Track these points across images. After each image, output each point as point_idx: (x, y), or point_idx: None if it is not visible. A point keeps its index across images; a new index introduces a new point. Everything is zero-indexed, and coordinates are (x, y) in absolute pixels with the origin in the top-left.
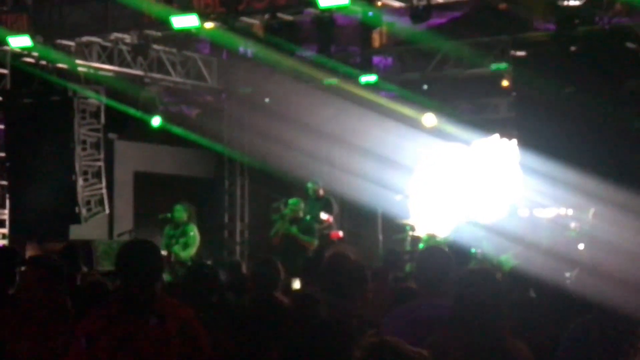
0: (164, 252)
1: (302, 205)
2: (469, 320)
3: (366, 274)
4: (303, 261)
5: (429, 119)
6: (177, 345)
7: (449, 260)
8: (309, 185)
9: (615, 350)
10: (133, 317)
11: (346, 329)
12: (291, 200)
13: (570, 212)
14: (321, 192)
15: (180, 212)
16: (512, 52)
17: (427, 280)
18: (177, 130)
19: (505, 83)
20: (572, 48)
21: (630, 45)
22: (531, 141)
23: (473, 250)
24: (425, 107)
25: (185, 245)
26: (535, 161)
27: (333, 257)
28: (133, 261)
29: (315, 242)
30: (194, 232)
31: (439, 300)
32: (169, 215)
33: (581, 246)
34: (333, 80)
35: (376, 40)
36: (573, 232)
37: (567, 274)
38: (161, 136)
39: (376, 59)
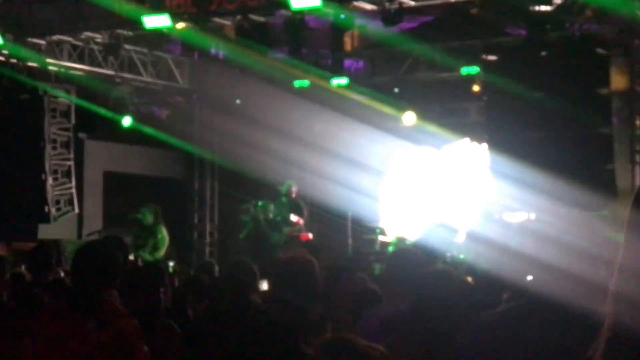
0: (131, 256)
1: (271, 207)
2: (427, 320)
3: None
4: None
5: (409, 117)
6: (110, 354)
7: (418, 261)
8: (287, 183)
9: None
10: (72, 318)
11: (298, 329)
12: (260, 203)
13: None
14: (294, 193)
15: (146, 214)
16: (483, 57)
17: (397, 281)
18: (147, 130)
19: (476, 88)
20: (543, 53)
21: (600, 51)
22: (501, 145)
23: (443, 253)
24: (397, 110)
25: (154, 248)
26: (505, 165)
27: (286, 261)
28: (84, 262)
29: (282, 240)
30: (162, 234)
31: (401, 301)
32: (138, 215)
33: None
34: (304, 83)
35: (348, 43)
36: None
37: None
38: (131, 136)
39: (347, 62)
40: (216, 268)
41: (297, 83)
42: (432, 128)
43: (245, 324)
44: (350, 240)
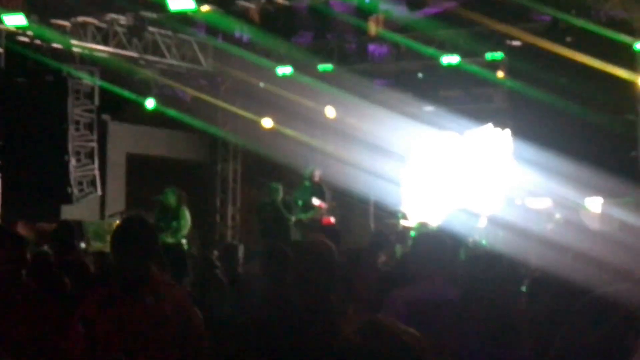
0: None
1: (280, 189)
2: (480, 299)
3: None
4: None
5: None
6: (173, 325)
7: (443, 245)
8: (310, 168)
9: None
10: (129, 298)
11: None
12: (272, 185)
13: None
14: (317, 177)
15: (169, 196)
16: (508, 42)
17: (422, 263)
18: (171, 112)
19: (500, 74)
20: (568, 39)
21: (625, 37)
22: (524, 131)
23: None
24: (420, 96)
25: (176, 230)
26: (528, 151)
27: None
28: (127, 239)
29: (293, 219)
30: (185, 217)
31: (435, 283)
32: (160, 198)
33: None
34: (328, 67)
35: (372, 28)
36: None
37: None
38: (155, 119)
39: (371, 47)
40: (241, 249)
41: (321, 67)
42: (453, 115)
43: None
44: (372, 225)
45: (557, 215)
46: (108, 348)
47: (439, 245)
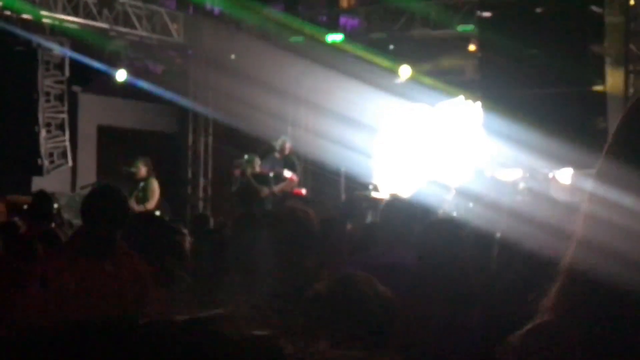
0: None
1: (257, 160)
2: (435, 268)
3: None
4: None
5: (405, 71)
6: (129, 293)
7: (411, 214)
8: (281, 139)
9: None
10: (89, 261)
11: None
12: (246, 157)
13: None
14: (288, 149)
15: (139, 167)
16: (478, 13)
17: (390, 230)
18: (142, 84)
19: (472, 47)
20: (538, 10)
21: (595, 9)
22: (495, 103)
23: (436, 209)
24: (391, 67)
25: (144, 199)
26: (499, 123)
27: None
28: (98, 205)
29: (266, 191)
30: (153, 186)
31: (401, 250)
32: (131, 168)
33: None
34: (299, 38)
35: (344, 0)
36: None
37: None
38: (126, 90)
39: (343, 19)
40: (211, 221)
41: (293, 39)
42: (427, 84)
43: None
44: (343, 196)
45: (522, 185)
46: (64, 309)
47: (406, 214)
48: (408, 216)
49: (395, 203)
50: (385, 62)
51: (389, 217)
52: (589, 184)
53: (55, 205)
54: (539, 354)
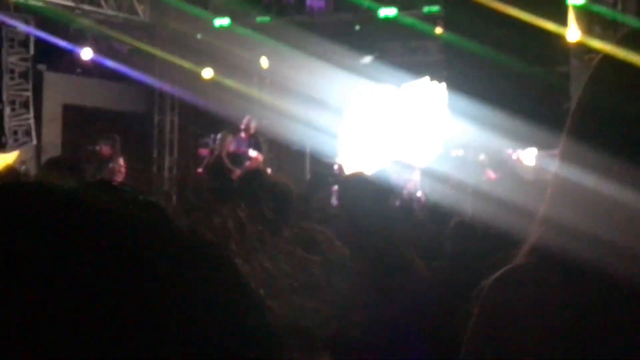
0: None
1: (230, 138)
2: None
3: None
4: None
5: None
6: None
7: (375, 190)
8: (246, 118)
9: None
10: None
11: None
12: (220, 134)
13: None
14: (253, 129)
15: (100, 146)
16: None
17: (349, 206)
18: (108, 63)
19: (438, 30)
20: None
21: None
22: (459, 83)
23: (400, 189)
24: (357, 48)
25: (109, 178)
26: (463, 103)
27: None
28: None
29: (238, 172)
30: (118, 164)
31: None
32: (95, 147)
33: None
34: (266, 19)
35: None
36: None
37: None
38: (92, 69)
39: (309, 0)
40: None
41: (259, 19)
42: (389, 67)
43: None
44: (308, 176)
45: (482, 156)
46: None
47: (368, 191)
48: (370, 193)
49: (358, 180)
50: (350, 44)
51: (350, 193)
52: (554, 163)
53: None
54: (516, 291)
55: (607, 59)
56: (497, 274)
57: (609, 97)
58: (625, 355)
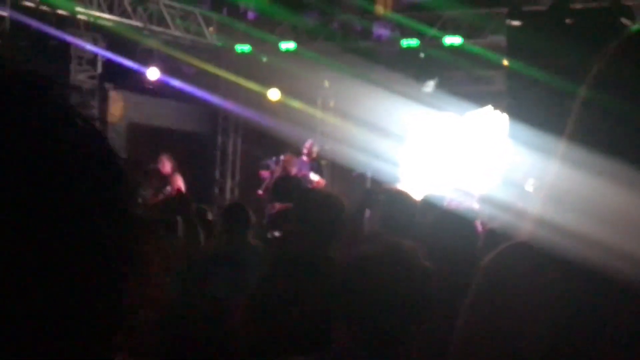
0: None
1: (295, 160)
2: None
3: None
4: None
5: (428, 86)
6: None
7: (414, 205)
8: (309, 142)
9: None
10: None
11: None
12: (286, 155)
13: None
14: (315, 153)
15: (162, 162)
16: (507, 22)
17: (393, 222)
18: (173, 83)
19: (505, 62)
20: (567, 21)
21: (625, 21)
22: (522, 113)
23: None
24: (421, 75)
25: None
26: (526, 133)
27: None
28: None
29: None
30: (177, 183)
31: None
32: (156, 165)
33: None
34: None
35: (380, 9)
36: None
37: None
38: (157, 89)
39: (376, 31)
40: None
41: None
42: (453, 96)
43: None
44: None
45: (531, 181)
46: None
47: (410, 206)
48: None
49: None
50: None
51: (392, 210)
52: (554, 165)
53: None
54: (516, 265)
55: (610, 61)
56: (499, 249)
57: (613, 99)
58: (610, 347)
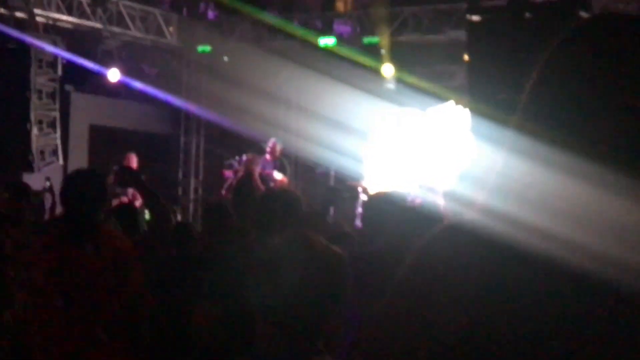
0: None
1: (259, 160)
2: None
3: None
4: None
5: (388, 69)
6: (110, 276)
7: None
8: (271, 140)
9: None
10: (69, 245)
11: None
12: (249, 155)
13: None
14: (278, 152)
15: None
16: (468, 17)
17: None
18: (134, 84)
19: (466, 57)
20: (527, 15)
21: (583, 14)
22: (483, 107)
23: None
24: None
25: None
26: (487, 127)
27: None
28: (77, 189)
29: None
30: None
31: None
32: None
33: None
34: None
35: (340, 6)
36: None
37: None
38: (118, 90)
39: (336, 26)
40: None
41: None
42: (414, 92)
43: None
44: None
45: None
46: (46, 292)
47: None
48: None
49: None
50: (371, 62)
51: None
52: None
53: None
54: (444, 249)
55: (561, 47)
56: (432, 232)
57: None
58: (527, 328)
